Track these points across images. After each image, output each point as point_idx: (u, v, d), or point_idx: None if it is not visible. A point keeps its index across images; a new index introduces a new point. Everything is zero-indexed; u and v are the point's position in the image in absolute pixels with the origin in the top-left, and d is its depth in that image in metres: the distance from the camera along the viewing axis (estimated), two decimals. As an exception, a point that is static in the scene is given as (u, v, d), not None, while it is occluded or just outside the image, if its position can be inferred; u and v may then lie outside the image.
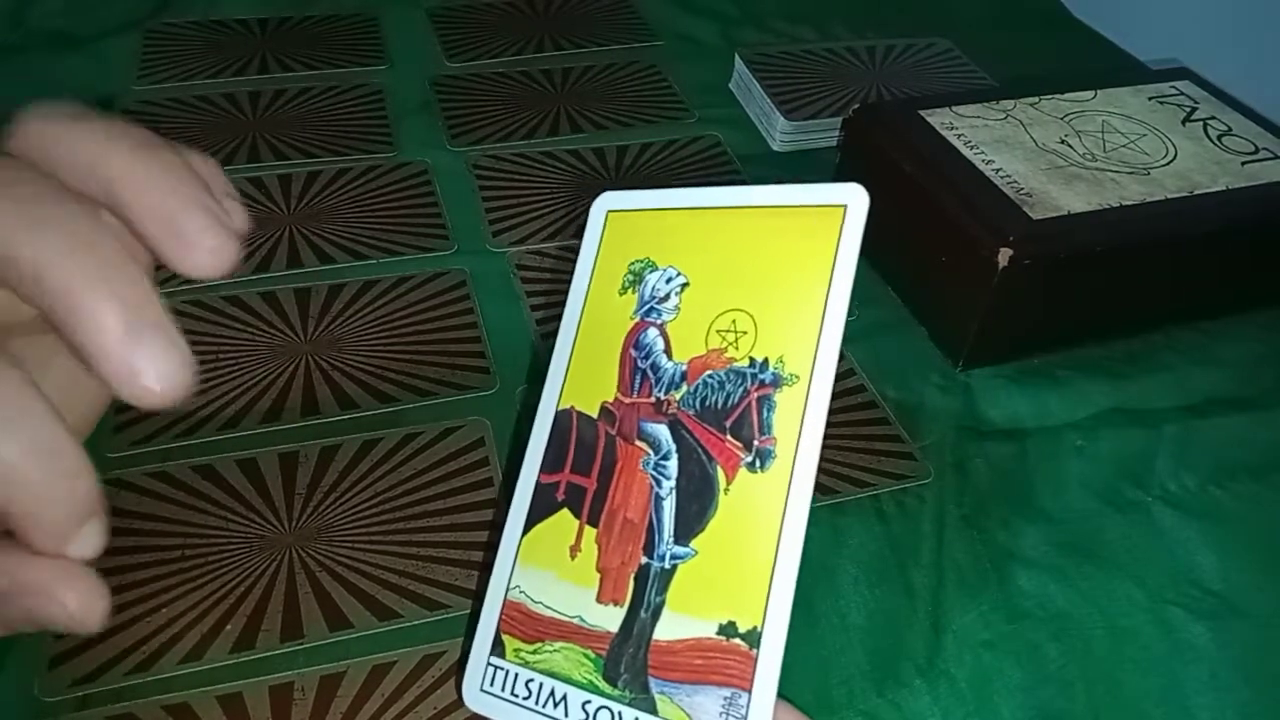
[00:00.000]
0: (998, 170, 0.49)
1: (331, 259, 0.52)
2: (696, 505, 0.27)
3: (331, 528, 0.39)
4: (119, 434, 0.42)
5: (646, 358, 0.29)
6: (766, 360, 0.27)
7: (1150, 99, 0.57)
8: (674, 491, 0.27)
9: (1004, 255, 0.44)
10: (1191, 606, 0.39)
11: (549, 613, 0.28)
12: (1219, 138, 0.54)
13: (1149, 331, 0.51)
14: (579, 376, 0.30)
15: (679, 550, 0.27)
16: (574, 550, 0.28)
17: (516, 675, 0.28)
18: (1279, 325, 0.53)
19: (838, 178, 0.56)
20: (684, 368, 0.28)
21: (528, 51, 0.70)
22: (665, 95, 0.67)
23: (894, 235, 0.53)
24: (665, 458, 0.28)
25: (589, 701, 0.27)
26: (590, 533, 0.28)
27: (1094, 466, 0.45)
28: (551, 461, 0.30)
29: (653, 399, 0.29)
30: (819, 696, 0.36)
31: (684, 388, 0.28)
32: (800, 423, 0.26)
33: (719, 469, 0.27)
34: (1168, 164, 0.51)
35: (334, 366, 0.46)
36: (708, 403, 0.28)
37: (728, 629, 0.25)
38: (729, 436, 0.27)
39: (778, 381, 0.27)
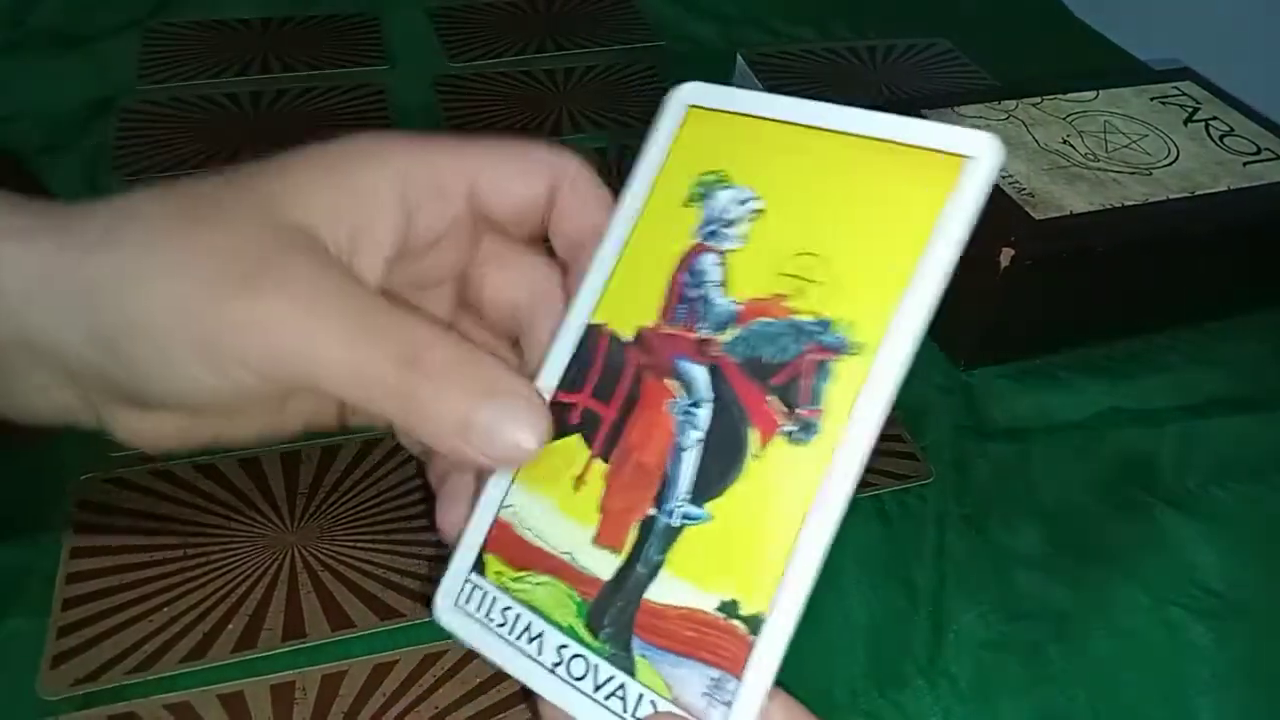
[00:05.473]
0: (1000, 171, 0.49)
1: (333, 258, 0.52)
2: (719, 465, 0.24)
3: (334, 527, 0.39)
4: (121, 433, 0.42)
5: (698, 286, 0.25)
6: (833, 320, 0.23)
7: (1152, 99, 0.57)
8: (700, 444, 0.24)
9: (1006, 255, 0.44)
10: (1192, 606, 0.39)
11: (539, 543, 0.25)
12: (1221, 138, 0.54)
13: (1150, 331, 0.51)
14: (618, 290, 0.26)
15: (692, 510, 0.24)
16: (578, 481, 0.25)
17: (495, 599, 0.25)
18: (1279, 325, 0.53)
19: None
20: (738, 307, 0.24)
21: (529, 51, 0.70)
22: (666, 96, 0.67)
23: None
24: (696, 405, 0.24)
25: (565, 646, 0.24)
26: (599, 467, 0.25)
27: (1095, 466, 0.45)
28: (571, 380, 0.26)
29: (696, 335, 0.25)
30: (820, 696, 0.36)
31: (733, 330, 0.24)
32: (855, 400, 0.22)
33: (752, 431, 0.24)
34: (1170, 164, 0.51)
35: (335, 366, 0.46)
36: (756, 353, 0.24)
37: (728, 607, 0.23)
38: (772, 397, 0.23)
39: (840, 347, 0.23)
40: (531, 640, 0.25)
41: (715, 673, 0.23)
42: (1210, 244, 0.49)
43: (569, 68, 0.69)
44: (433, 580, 0.27)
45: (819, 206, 0.24)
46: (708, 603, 0.23)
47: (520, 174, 0.26)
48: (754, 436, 0.24)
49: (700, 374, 0.25)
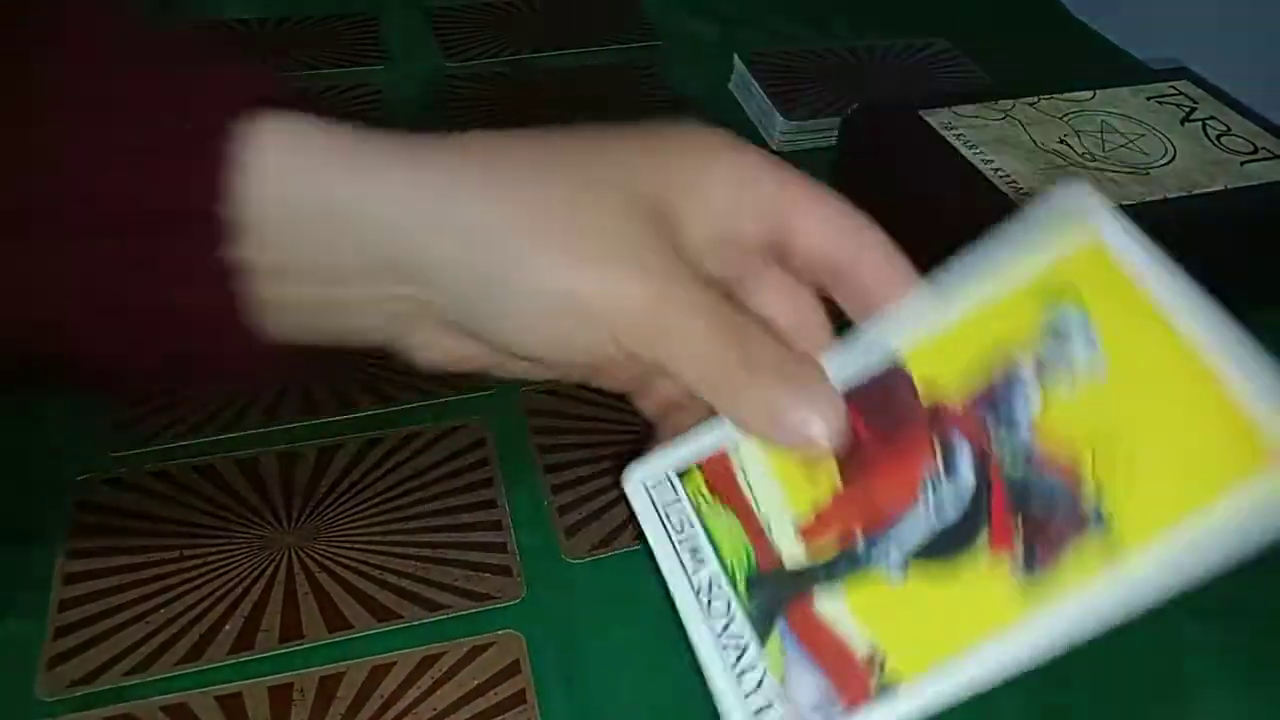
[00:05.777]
0: (997, 170, 0.49)
1: (331, 259, 0.52)
2: (938, 541, 0.24)
3: (331, 528, 0.39)
4: (120, 433, 0.42)
5: (1010, 402, 0.25)
6: (1105, 511, 0.23)
7: (1149, 99, 0.57)
8: (932, 514, 0.25)
9: (1004, 255, 0.44)
10: (1191, 605, 0.39)
11: (746, 492, 0.26)
12: (1218, 138, 0.54)
13: (1148, 331, 0.51)
14: (936, 346, 0.26)
15: (892, 560, 0.25)
16: (811, 470, 0.26)
17: (680, 506, 0.27)
18: (1279, 325, 0.53)
19: (836, 178, 0.56)
20: (1034, 445, 0.24)
21: (527, 51, 0.70)
22: (665, 95, 0.67)
23: (893, 236, 0.53)
24: (949, 482, 0.25)
25: (719, 583, 0.26)
26: (834, 473, 0.26)
27: (1094, 466, 0.45)
28: (852, 395, 0.26)
29: (984, 432, 0.25)
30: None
31: (1017, 458, 0.24)
32: (1089, 577, 0.23)
33: (985, 535, 0.24)
34: (1167, 164, 0.51)
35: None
36: (1025, 491, 0.24)
37: (875, 657, 0.24)
38: (1020, 524, 0.24)
39: (1099, 529, 0.23)
40: (692, 558, 0.26)
41: (832, 692, 0.24)
42: (1207, 244, 0.49)
43: (567, 67, 0.69)
44: (630, 457, 0.28)
45: (1148, 406, 0.24)
46: (860, 641, 0.24)
47: (829, 230, 0.27)
48: (983, 540, 0.24)
49: (969, 462, 0.25)
